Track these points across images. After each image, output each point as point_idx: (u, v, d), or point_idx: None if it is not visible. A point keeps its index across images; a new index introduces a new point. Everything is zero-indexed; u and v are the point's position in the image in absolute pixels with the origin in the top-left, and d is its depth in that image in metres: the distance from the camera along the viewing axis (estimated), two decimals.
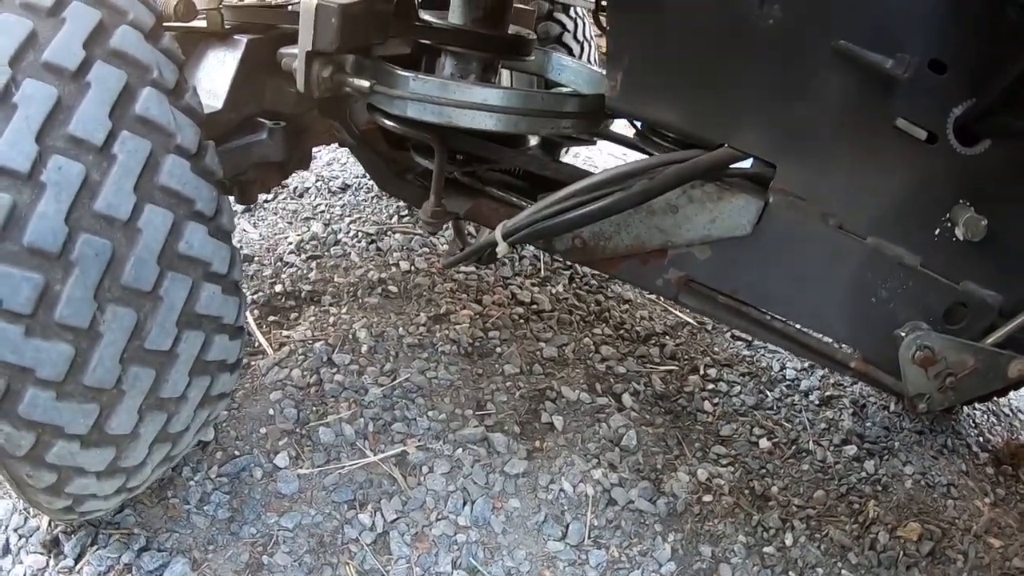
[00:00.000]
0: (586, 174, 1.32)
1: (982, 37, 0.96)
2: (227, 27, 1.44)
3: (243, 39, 1.42)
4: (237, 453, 1.46)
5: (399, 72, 1.24)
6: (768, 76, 1.07)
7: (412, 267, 2.09)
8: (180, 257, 0.94)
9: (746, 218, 1.17)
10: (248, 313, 1.80)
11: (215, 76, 1.42)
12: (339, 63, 1.25)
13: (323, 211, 2.36)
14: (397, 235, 2.25)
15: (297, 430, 1.54)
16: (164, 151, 0.93)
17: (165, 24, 1.45)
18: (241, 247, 2.08)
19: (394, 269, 2.07)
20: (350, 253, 2.12)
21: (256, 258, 2.05)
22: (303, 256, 2.08)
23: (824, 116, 1.07)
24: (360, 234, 2.21)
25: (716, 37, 1.07)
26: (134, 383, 0.94)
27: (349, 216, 2.32)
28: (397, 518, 1.41)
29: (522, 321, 2.02)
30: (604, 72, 1.22)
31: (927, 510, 1.69)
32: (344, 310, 1.88)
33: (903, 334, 1.12)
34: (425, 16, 1.47)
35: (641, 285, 1.39)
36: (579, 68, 1.70)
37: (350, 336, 1.79)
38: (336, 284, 1.96)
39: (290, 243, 2.12)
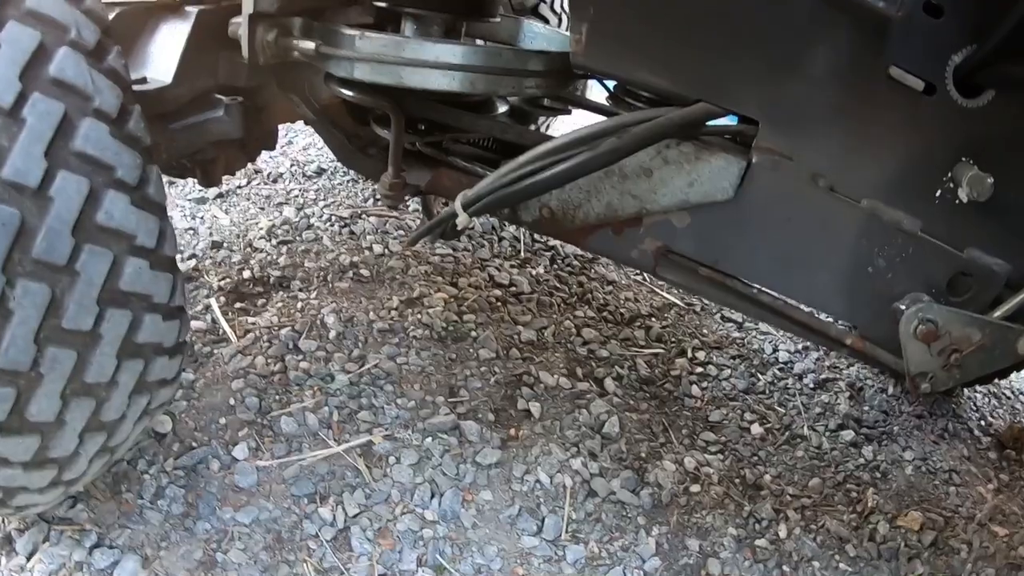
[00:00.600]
0: (553, 138, 1.23)
1: None
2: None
3: (194, 10, 1.34)
4: (194, 444, 1.39)
5: (345, 31, 1.15)
6: (747, 22, 0.97)
7: (386, 250, 2.01)
8: (99, 228, 0.87)
9: (727, 180, 1.08)
10: (214, 300, 1.73)
11: (165, 50, 1.35)
12: (285, 26, 1.17)
13: (297, 196, 2.28)
14: (371, 219, 2.17)
15: (258, 420, 1.46)
16: (80, 114, 0.85)
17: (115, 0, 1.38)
18: (211, 234, 2.00)
19: (367, 253, 1.98)
20: (322, 237, 2.04)
21: (225, 244, 1.97)
22: (274, 241, 2.00)
23: (811, 66, 0.98)
24: (334, 218, 2.13)
25: None
26: (53, 365, 0.87)
27: (323, 200, 2.24)
28: (360, 512, 1.33)
29: (499, 304, 1.93)
30: None
31: (928, 498, 1.60)
32: (313, 295, 1.80)
33: (903, 307, 1.03)
34: None
35: (616, 257, 1.31)
36: (552, 35, 1.60)
37: (318, 322, 1.71)
38: (306, 269, 1.88)
39: (261, 228, 2.04)
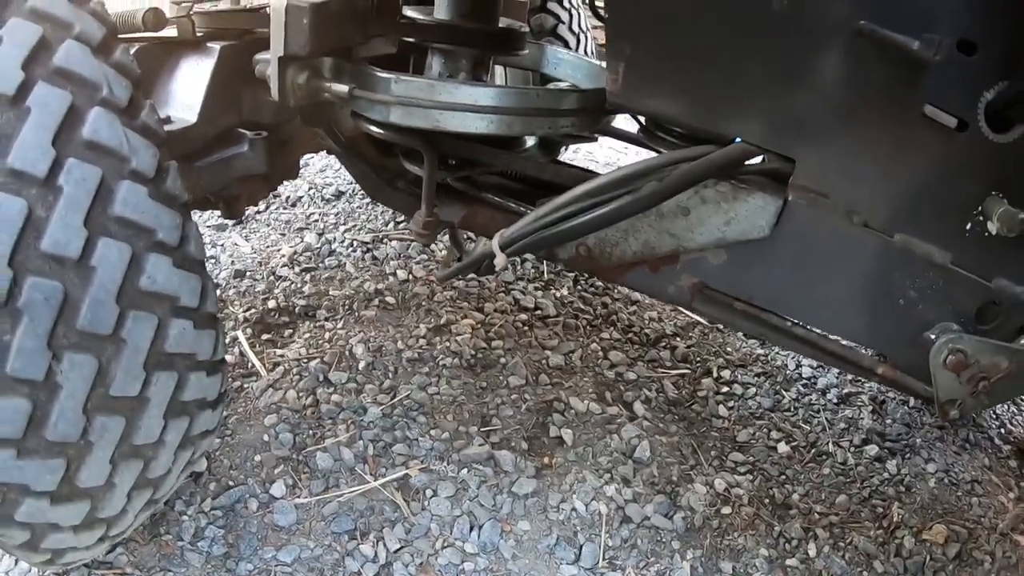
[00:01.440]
0: (588, 176, 1.24)
1: (1015, 13, 0.87)
2: (199, 35, 1.35)
3: (216, 47, 1.34)
4: (231, 483, 1.40)
5: (380, 74, 1.15)
6: (784, 63, 0.98)
7: (410, 276, 2.01)
8: (142, 294, 0.86)
9: (764, 219, 1.09)
10: (240, 332, 1.74)
11: (189, 88, 1.34)
12: (315, 67, 1.17)
13: (316, 220, 2.28)
14: (393, 242, 2.17)
15: (293, 456, 1.47)
16: (117, 177, 0.84)
17: (134, 36, 1.38)
18: (233, 262, 2.01)
19: (391, 279, 1.99)
20: (345, 264, 2.04)
21: (248, 273, 1.97)
22: (297, 269, 2.00)
23: (846, 105, 0.98)
24: (355, 243, 2.13)
25: (727, 21, 0.98)
26: (102, 433, 0.87)
27: (343, 224, 2.24)
28: (401, 547, 1.34)
29: (526, 328, 1.94)
30: (603, 64, 1.13)
31: (952, 510, 1.61)
32: (340, 324, 1.81)
33: (933, 337, 1.04)
34: (409, 12, 1.37)
35: (652, 293, 1.31)
36: (577, 61, 1.61)
37: (347, 352, 1.72)
38: (331, 297, 1.89)
39: (283, 256, 2.05)
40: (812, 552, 1.46)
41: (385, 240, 2.17)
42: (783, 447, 1.71)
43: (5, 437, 0.79)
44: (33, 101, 0.79)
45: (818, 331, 1.19)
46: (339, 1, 1.10)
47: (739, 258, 1.16)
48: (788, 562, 1.43)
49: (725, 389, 1.88)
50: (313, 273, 1.99)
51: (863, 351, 1.23)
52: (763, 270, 1.15)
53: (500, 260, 1.19)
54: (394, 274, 2.01)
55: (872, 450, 1.74)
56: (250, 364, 1.67)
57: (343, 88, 1.13)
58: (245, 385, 1.61)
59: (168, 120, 1.32)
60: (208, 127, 1.35)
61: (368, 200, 2.45)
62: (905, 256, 1.04)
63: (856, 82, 0.97)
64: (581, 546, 1.40)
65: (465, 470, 1.50)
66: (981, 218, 1.00)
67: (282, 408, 1.56)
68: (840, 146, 1.02)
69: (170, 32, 1.36)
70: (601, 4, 1.26)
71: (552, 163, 1.38)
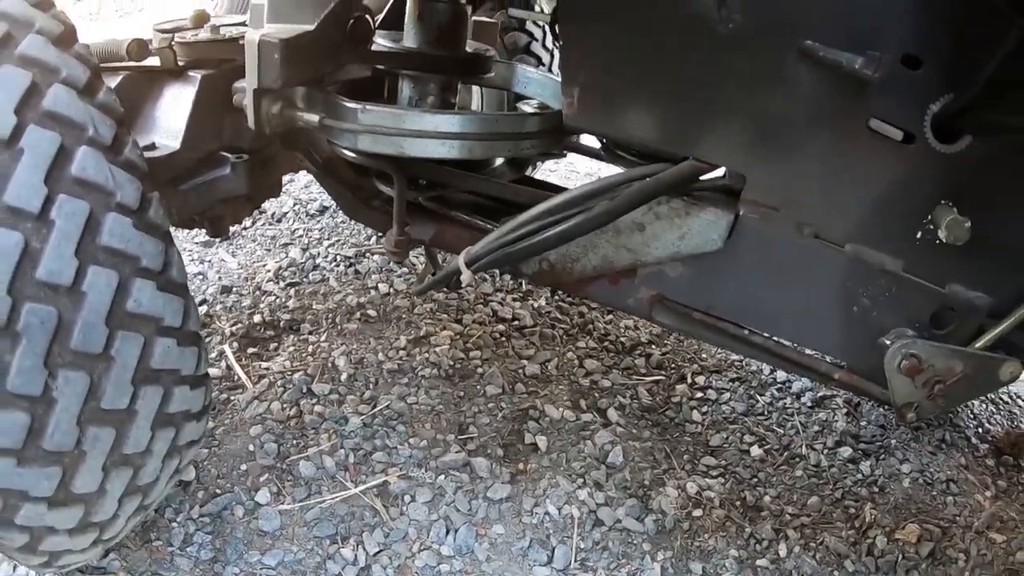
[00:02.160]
0: (547, 196, 1.30)
1: (959, 27, 0.91)
2: (181, 64, 1.42)
3: (197, 76, 1.40)
4: (218, 491, 1.45)
5: (347, 104, 1.22)
6: (732, 83, 1.03)
7: (391, 289, 2.07)
8: (129, 316, 0.94)
9: (716, 233, 1.15)
10: (227, 347, 1.79)
11: (172, 115, 1.41)
12: (288, 98, 1.24)
13: (301, 235, 2.35)
14: (375, 257, 2.23)
15: (278, 465, 1.53)
16: (104, 210, 0.92)
17: (118, 65, 1.45)
18: (220, 278, 2.07)
19: (373, 292, 2.05)
20: (328, 278, 2.10)
21: (235, 288, 2.04)
22: (282, 284, 2.06)
23: (793, 121, 1.03)
24: (339, 257, 2.20)
25: (674, 46, 1.04)
26: (95, 443, 0.95)
27: (327, 240, 2.30)
28: (380, 551, 1.40)
29: (503, 339, 2.00)
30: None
31: (926, 509, 1.66)
32: (323, 338, 1.87)
33: (888, 342, 1.08)
34: (380, 40, 1.44)
35: (613, 305, 1.37)
36: (545, 80, 1.67)
37: (329, 365, 1.78)
38: (315, 311, 1.95)
39: (268, 271, 2.11)
40: (783, 552, 1.51)
41: (368, 254, 2.24)
42: (756, 450, 1.76)
43: (6, 447, 0.87)
44: (26, 143, 0.87)
45: (776, 339, 1.25)
46: (310, 35, 1.16)
47: (695, 270, 1.21)
48: (758, 562, 1.48)
49: (699, 395, 1.94)
50: (298, 288, 2.05)
51: (820, 357, 1.28)
52: (718, 281, 1.21)
53: (466, 276, 1.25)
54: (376, 288, 2.07)
55: (846, 452, 1.79)
56: (236, 377, 1.73)
57: (314, 118, 1.20)
58: (232, 398, 1.67)
59: (152, 147, 1.39)
60: (191, 152, 1.42)
61: None
62: (857, 265, 1.08)
63: (802, 99, 1.02)
64: (554, 548, 1.45)
65: (442, 476, 1.55)
66: (931, 226, 1.03)
67: (267, 419, 1.61)
68: (788, 161, 1.07)
69: (153, 61, 1.43)
70: None
71: (516, 182, 1.44)
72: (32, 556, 1.03)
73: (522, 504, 1.53)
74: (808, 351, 1.28)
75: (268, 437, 1.57)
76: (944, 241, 1.01)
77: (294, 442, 1.58)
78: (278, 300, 2.00)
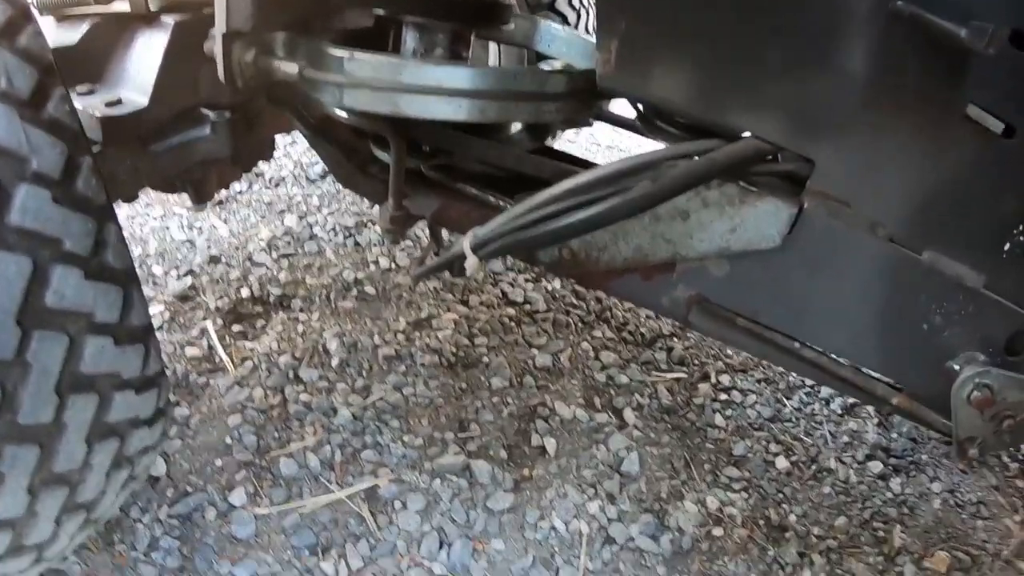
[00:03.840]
0: (573, 171, 1.10)
1: None
2: (152, 9, 1.22)
3: (170, 21, 1.21)
4: (189, 490, 1.32)
5: (332, 51, 1.02)
6: (806, 47, 0.84)
7: (392, 264, 1.90)
8: (49, 311, 0.77)
9: (775, 228, 0.95)
10: (210, 323, 1.64)
11: (141, 67, 1.23)
12: (265, 44, 1.03)
13: (299, 202, 2.16)
14: (377, 227, 2.05)
15: (256, 461, 1.39)
16: (15, 181, 0.73)
17: (84, 11, 1.26)
18: (209, 246, 1.90)
19: (372, 267, 1.88)
20: (325, 249, 1.93)
21: (224, 258, 1.87)
22: (274, 255, 1.90)
23: (876, 100, 0.84)
24: (338, 227, 2.02)
25: (741, 7, 0.84)
26: (13, 463, 0.79)
27: (327, 207, 2.12)
28: (364, 566, 1.26)
29: (513, 324, 1.83)
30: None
31: (956, 534, 1.51)
32: (315, 316, 1.70)
33: (957, 367, 0.92)
34: None
35: (643, 303, 1.18)
36: (572, 38, 1.45)
37: (320, 348, 1.62)
38: (308, 286, 1.78)
39: (261, 240, 1.94)
40: None
41: (369, 224, 2.05)
42: (782, 462, 1.61)
43: None
44: None
45: (829, 354, 1.07)
46: None
47: (744, 270, 1.03)
48: None
49: (723, 396, 1.77)
50: (291, 259, 1.88)
51: (877, 378, 1.11)
52: (772, 284, 1.02)
53: (471, 263, 1.07)
54: (376, 262, 1.90)
55: (876, 467, 1.63)
56: (218, 358, 1.58)
57: (293, 68, 1.00)
58: (211, 381, 1.52)
59: (118, 102, 1.21)
60: (162, 109, 1.24)
61: None
62: (933, 276, 0.92)
63: (889, 74, 0.83)
64: (558, 569, 1.31)
65: (438, 481, 1.41)
66: (1022, 239, 0.87)
67: (247, 407, 1.47)
68: (867, 148, 0.88)
69: (122, 5, 1.24)
70: None
71: (537, 152, 1.24)
72: None
73: (525, 517, 1.39)
74: (865, 370, 1.10)
75: (248, 428, 1.42)
76: None
77: (276, 435, 1.44)
78: (269, 273, 1.83)
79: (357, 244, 1.97)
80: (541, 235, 1.00)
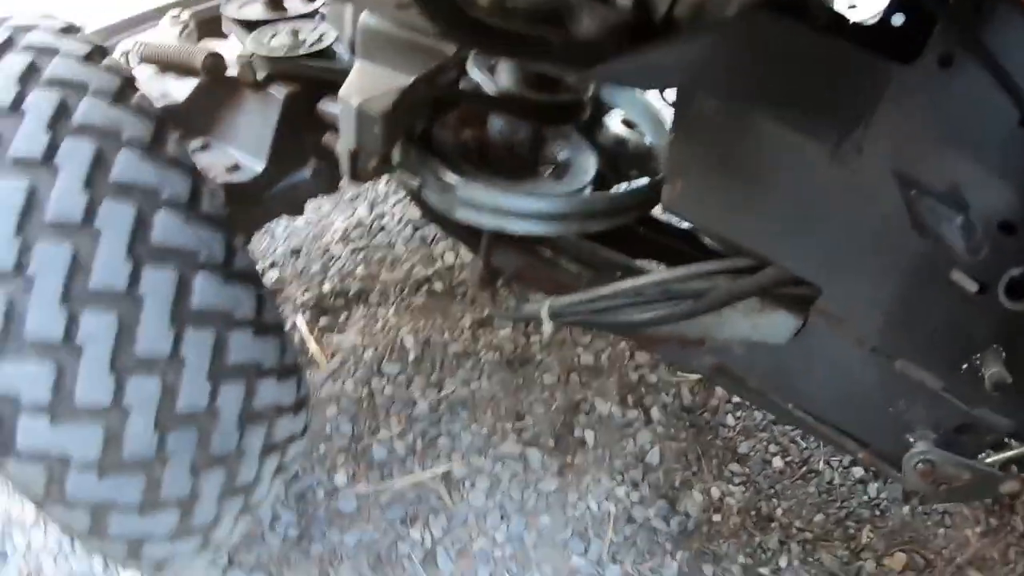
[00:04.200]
0: (638, 271, 1.33)
1: None
2: (259, 79, 1.35)
3: (280, 95, 1.35)
4: (301, 473, 1.64)
5: (446, 178, 1.22)
6: (830, 213, 1.07)
7: (457, 260, 2.12)
8: (195, 313, 0.94)
9: (784, 331, 1.22)
10: (299, 317, 1.89)
11: (252, 132, 1.39)
12: (384, 155, 1.21)
13: (368, 189, 2.32)
14: None
15: (353, 446, 1.71)
16: (152, 209, 0.92)
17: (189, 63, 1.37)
18: (288, 237, 2.11)
19: (439, 263, 2.10)
20: (395, 243, 2.14)
21: (303, 251, 2.08)
22: (349, 247, 2.10)
23: (881, 256, 1.07)
24: (404, 219, 2.20)
25: (782, 175, 1.07)
26: (176, 447, 0.96)
27: (394, 195, 2.29)
28: (444, 535, 1.62)
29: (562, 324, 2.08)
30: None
31: (917, 538, 1.85)
32: (391, 311, 1.96)
33: (911, 440, 1.20)
34: (474, 73, 1.36)
35: (679, 364, 1.45)
36: (647, 108, 1.57)
37: (398, 343, 1.89)
38: (383, 282, 2.02)
39: (335, 231, 2.13)
40: (783, 563, 1.73)
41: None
42: (778, 462, 1.93)
43: (85, 462, 0.90)
44: (61, 158, 0.89)
45: (814, 416, 1.35)
46: (404, 96, 1.12)
47: (757, 353, 1.30)
48: (760, 570, 1.71)
49: (735, 399, 2.06)
50: (365, 253, 2.10)
51: (849, 434, 1.40)
52: (777, 365, 1.30)
53: (547, 328, 1.33)
54: (442, 258, 2.12)
55: (858, 472, 1.95)
56: (309, 351, 1.85)
57: (413, 182, 1.20)
58: (307, 375, 1.81)
59: (236, 168, 1.37)
60: (275, 171, 1.41)
61: None
62: (902, 378, 1.17)
63: (895, 247, 1.05)
64: (590, 541, 1.68)
65: (499, 465, 1.74)
66: (978, 363, 1.10)
67: (341, 399, 1.77)
68: (864, 285, 1.13)
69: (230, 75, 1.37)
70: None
71: (603, 250, 1.43)
72: (139, 562, 1.09)
73: (567, 497, 1.73)
74: (843, 430, 1.39)
75: (343, 417, 1.73)
76: (986, 384, 1.07)
77: (367, 423, 1.75)
78: (346, 266, 2.06)
79: (423, 239, 2.18)
80: (604, 324, 1.26)
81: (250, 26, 1.46)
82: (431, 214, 1.53)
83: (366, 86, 1.12)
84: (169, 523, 1.03)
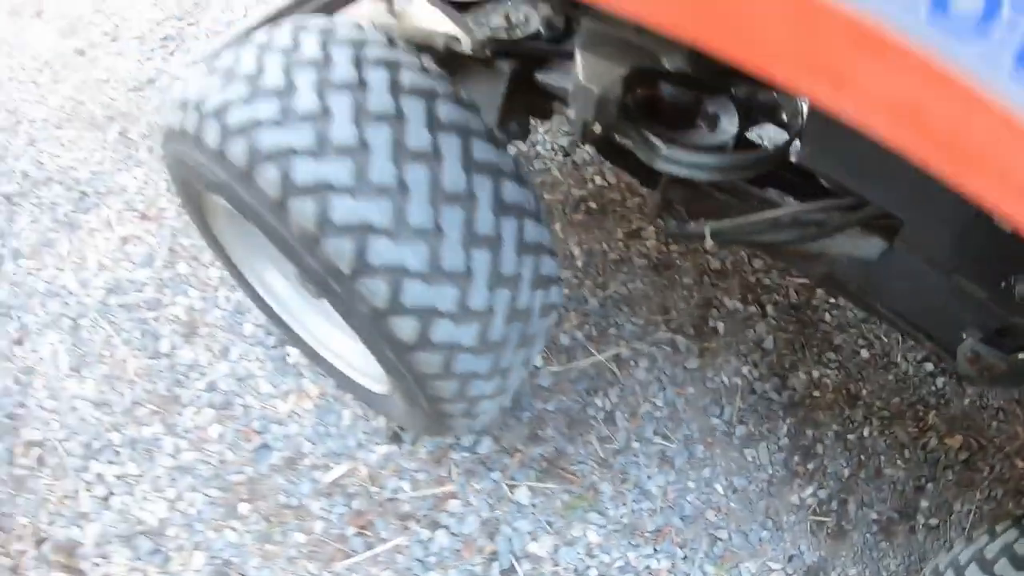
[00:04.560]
0: (775, 204, 1.68)
1: None
2: (488, 54, 1.58)
3: (507, 69, 1.58)
4: None
5: (653, 141, 1.45)
6: (916, 173, 1.33)
7: (605, 181, 2.47)
8: (478, 165, 1.28)
9: (876, 251, 1.59)
10: None
11: (485, 99, 1.60)
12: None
13: None
14: (588, 147, 2.56)
15: None
16: (472, 138, 1.29)
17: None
18: None
19: (591, 185, 2.46)
20: (551, 168, 2.48)
21: None
22: None
23: (944, 203, 1.27)
24: (555, 146, 2.53)
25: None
26: (478, 263, 1.24)
27: (542, 125, 2.59)
28: (618, 401, 2.12)
29: None
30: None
31: (974, 426, 2.24)
32: (559, 227, 2.34)
33: (964, 335, 1.58)
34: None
35: (799, 271, 1.86)
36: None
37: (567, 252, 2.29)
38: (547, 201, 2.38)
39: None
40: (866, 433, 2.23)
41: (580, 144, 2.56)
42: (864, 353, 2.41)
43: (417, 271, 1.19)
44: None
45: (895, 313, 1.77)
46: (634, 74, 1.39)
47: (856, 263, 1.69)
48: (848, 437, 2.22)
49: (832, 300, 2.51)
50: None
51: (917, 326, 1.79)
52: (868, 275, 1.70)
53: (709, 244, 1.71)
54: (592, 180, 2.47)
55: (929, 366, 2.40)
56: None
57: (627, 142, 1.47)
58: None
59: None
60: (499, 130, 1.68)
61: None
62: (958, 288, 1.53)
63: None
64: (723, 407, 2.18)
65: (655, 348, 2.21)
66: (1014, 281, 1.42)
67: None
68: (935, 221, 1.44)
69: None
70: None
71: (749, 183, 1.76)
72: (460, 404, 1.41)
73: (706, 373, 2.22)
74: (915, 325, 1.82)
75: None
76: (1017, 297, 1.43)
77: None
78: None
79: (575, 163, 2.51)
80: (751, 241, 1.66)
81: (459, 7, 1.64)
82: (607, 151, 1.86)
83: (596, 73, 1.39)
84: (473, 335, 1.28)
